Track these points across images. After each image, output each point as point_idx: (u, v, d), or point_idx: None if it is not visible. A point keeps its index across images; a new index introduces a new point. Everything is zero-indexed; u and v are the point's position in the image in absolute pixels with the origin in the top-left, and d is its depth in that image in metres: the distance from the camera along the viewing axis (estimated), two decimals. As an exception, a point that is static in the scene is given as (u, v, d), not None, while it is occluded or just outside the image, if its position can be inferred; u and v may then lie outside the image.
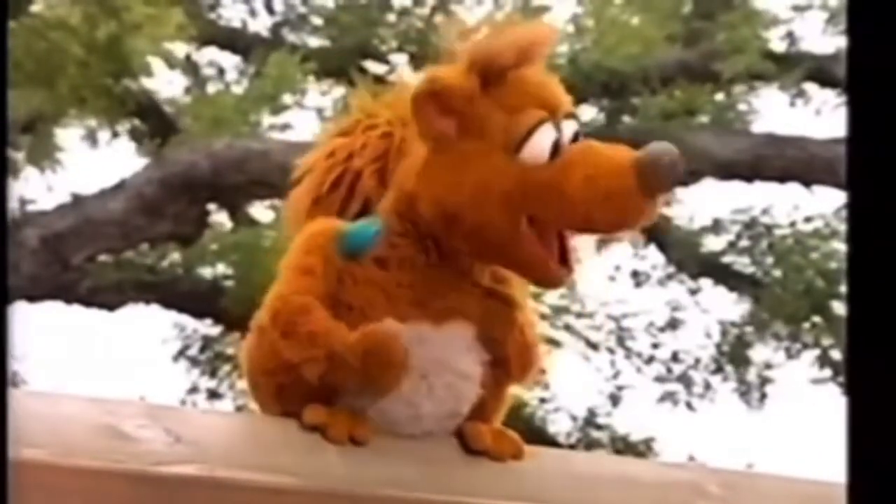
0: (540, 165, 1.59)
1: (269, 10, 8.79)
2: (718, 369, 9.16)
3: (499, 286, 1.66)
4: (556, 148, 1.60)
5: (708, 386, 9.17)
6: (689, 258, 9.03)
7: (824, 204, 8.57)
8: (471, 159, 1.61)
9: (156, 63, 7.49)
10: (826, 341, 8.66)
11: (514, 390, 1.73)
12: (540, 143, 1.60)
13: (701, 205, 8.99)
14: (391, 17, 8.57)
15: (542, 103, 1.62)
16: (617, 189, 1.55)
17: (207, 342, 8.68)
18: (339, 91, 8.13)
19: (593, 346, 9.14)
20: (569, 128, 1.62)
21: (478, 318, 1.64)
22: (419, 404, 1.63)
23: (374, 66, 8.09)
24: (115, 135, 8.31)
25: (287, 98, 7.69)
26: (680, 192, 8.87)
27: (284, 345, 1.60)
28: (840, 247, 8.33)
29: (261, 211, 8.07)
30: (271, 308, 1.63)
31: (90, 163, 8.26)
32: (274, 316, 1.62)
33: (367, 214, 1.69)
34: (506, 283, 1.68)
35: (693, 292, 9.23)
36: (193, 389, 8.76)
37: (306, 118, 8.05)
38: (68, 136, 8.29)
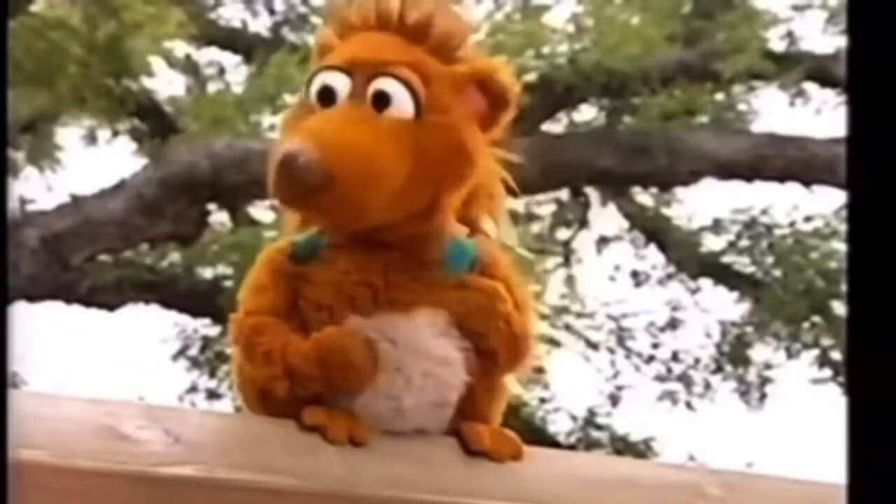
0: (313, 110, 1.61)
1: (270, 10, 8.79)
2: (718, 369, 9.16)
3: (473, 278, 1.64)
4: (329, 95, 1.60)
5: (708, 386, 9.18)
6: (689, 258, 9.03)
7: (824, 204, 8.58)
8: (291, 107, 1.69)
9: (156, 63, 7.49)
10: (826, 341, 8.67)
11: (513, 388, 1.72)
12: (312, 89, 1.62)
13: (701, 205, 9.00)
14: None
15: (346, 55, 1.62)
16: (272, 169, 1.56)
17: (207, 342, 8.69)
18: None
19: (593, 345, 9.14)
20: (373, 85, 1.60)
21: (450, 307, 1.62)
22: (399, 397, 1.62)
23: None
24: (115, 134, 8.32)
25: (287, 98, 7.69)
26: (680, 191, 8.89)
27: (249, 367, 1.62)
28: (840, 247, 8.33)
29: (261, 211, 8.08)
30: (232, 333, 1.64)
31: (90, 163, 8.27)
32: (235, 340, 1.63)
33: None
34: (488, 275, 1.66)
35: (693, 292, 9.24)
36: (193, 389, 8.76)
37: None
38: (68, 135, 8.31)
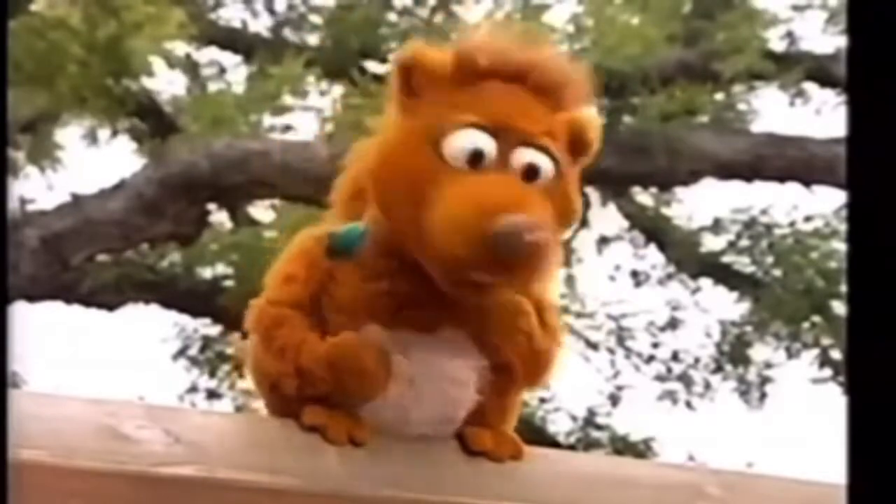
0: (454, 169, 1.56)
1: (270, 10, 8.79)
2: (718, 369, 9.16)
3: (499, 292, 1.62)
4: (479, 158, 1.56)
5: (708, 385, 9.18)
6: (689, 258, 9.03)
7: (824, 204, 8.58)
8: (397, 133, 1.61)
9: (156, 63, 7.49)
10: (826, 341, 8.66)
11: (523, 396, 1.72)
12: (457, 145, 1.57)
13: (701, 205, 9.00)
14: (391, 17, 8.57)
15: (490, 114, 1.59)
16: (464, 238, 1.51)
17: (207, 342, 8.69)
18: (339, 91, 8.13)
19: (593, 345, 9.14)
20: (523, 155, 1.59)
21: (471, 323, 1.61)
22: (407, 409, 1.62)
23: (374, 66, 8.08)
24: (115, 134, 8.31)
25: (288, 98, 7.69)
26: (680, 191, 8.89)
27: (265, 357, 1.62)
28: (840, 246, 8.33)
29: (261, 211, 8.08)
30: (253, 316, 1.64)
31: (90, 163, 8.27)
32: (255, 325, 1.63)
33: None
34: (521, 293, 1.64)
35: (693, 292, 9.24)
36: (193, 389, 8.76)
37: (306, 118, 8.05)
38: (68, 135, 8.30)
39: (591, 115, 1.67)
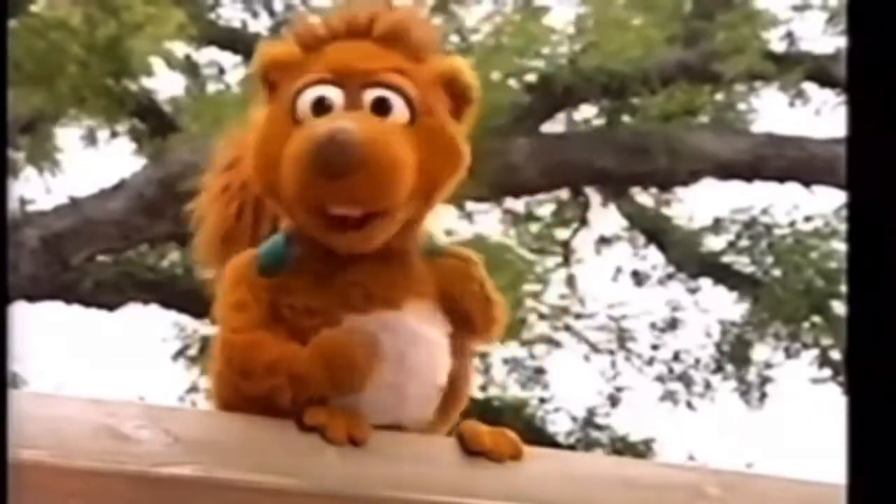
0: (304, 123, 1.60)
1: (269, 10, 8.79)
2: (718, 369, 9.16)
3: (448, 248, 1.69)
4: (323, 106, 1.60)
5: (708, 386, 9.18)
6: (689, 258, 9.03)
7: (824, 204, 8.58)
8: (263, 121, 1.66)
9: (156, 63, 7.49)
10: (826, 341, 8.67)
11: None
12: (304, 101, 1.62)
13: (701, 205, 9.00)
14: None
15: (331, 67, 1.62)
16: (295, 170, 1.56)
17: (207, 342, 8.68)
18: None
19: (593, 346, 9.14)
20: (368, 94, 1.61)
21: (430, 286, 1.65)
22: (403, 385, 1.63)
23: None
24: (115, 135, 8.31)
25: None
26: (680, 191, 8.89)
27: (247, 385, 1.61)
28: (840, 247, 8.33)
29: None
30: (222, 354, 1.64)
31: (90, 163, 8.27)
32: (228, 361, 1.63)
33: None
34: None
35: (693, 292, 9.24)
36: (193, 389, 8.77)
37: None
38: (68, 136, 8.30)
39: (459, 61, 1.68)
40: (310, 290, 1.63)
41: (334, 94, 1.61)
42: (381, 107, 1.61)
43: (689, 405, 9.13)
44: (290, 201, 1.60)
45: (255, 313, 1.63)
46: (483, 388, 8.09)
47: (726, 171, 8.14)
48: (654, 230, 9.19)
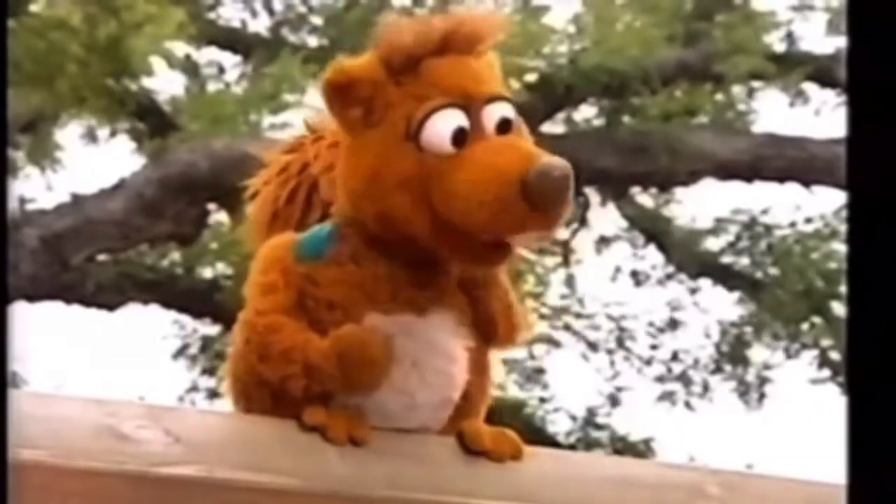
0: (443, 154, 1.58)
1: (269, 10, 8.79)
2: (718, 369, 9.16)
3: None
4: (463, 134, 1.59)
5: (707, 386, 9.18)
6: (689, 258, 9.04)
7: (824, 204, 8.59)
8: (371, 147, 1.61)
9: (156, 62, 7.49)
10: (825, 341, 8.67)
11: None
12: (437, 130, 1.59)
13: (701, 205, 9.00)
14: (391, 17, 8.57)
15: (450, 90, 1.61)
16: (496, 196, 1.55)
17: (207, 341, 8.69)
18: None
19: (593, 346, 9.14)
20: (493, 112, 1.61)
21: (456, 295, 1.65)
22: (413, 393, 1.63)
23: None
24: (115, 134, 8.31)
25: (287, 97, 7.69)
26: (680, 192, 8.90)
27: (263, 367, 1.61)
28: (840, 247, 8.34)
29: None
30: (243, 333, 1.64)
31: (90, 162, 8.27)
32: (247, 340, 1.63)
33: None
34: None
35: (693, 292, 9.24)
36: (193, 389, 8.77)
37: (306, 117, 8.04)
38: (68, 135, 8.30)
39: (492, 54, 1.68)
40: (335, 286, 1.62)
41: (462, 120, 1.59)
42: (506, 125, 1.61)
43: (689, 405, 9.13)
44: (433, 231, 1.58)
45: (283, 298, 1.62)
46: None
47: (726, 171, 8.14)
48: (654, 230, 9.20)
